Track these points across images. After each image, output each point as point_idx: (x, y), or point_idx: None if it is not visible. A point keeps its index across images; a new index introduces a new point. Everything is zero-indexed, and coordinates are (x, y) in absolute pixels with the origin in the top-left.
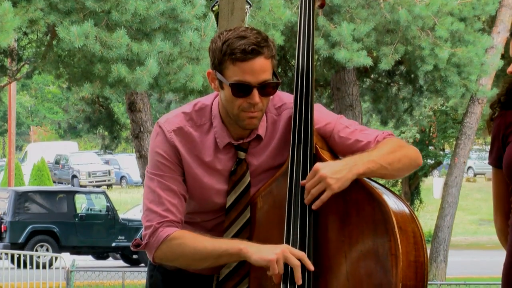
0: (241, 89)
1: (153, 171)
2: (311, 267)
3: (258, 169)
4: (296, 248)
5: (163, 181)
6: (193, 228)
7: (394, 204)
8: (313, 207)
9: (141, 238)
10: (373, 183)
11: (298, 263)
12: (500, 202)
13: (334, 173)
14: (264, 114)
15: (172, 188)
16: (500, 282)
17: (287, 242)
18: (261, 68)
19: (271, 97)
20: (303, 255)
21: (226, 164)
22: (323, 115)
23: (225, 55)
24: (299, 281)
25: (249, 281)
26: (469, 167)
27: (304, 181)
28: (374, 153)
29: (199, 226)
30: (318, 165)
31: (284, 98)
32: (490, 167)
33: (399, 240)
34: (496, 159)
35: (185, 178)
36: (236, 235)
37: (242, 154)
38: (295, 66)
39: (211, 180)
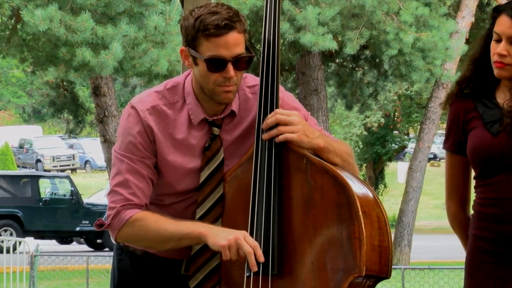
0: (216, 64)
1: (123, 153)
2: (261, 258)
3: (231, 145)
4: (261, 232)
5: (132, 164)
6: (162, 211)
7: (358, 188)
8: (276, 140)
9: (105, 219)
10: (338, 169)
11: (251, 250)
12: (456, 188)
13: (307, 128)
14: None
15: (141, 172)
16: (464, 267)
17: (252, 226)
18: (235, 42)
19: (244, 77)
20: (256, 245)
21: (200, 141)
22: (297, 105)
23: (198, 31)
24: (254, 267)
25: (220, 260)
26: (433, 152)
27: (278, 112)
28: (334, 143)
29: (169, 209)
30: (298, 113)
31: (258, 78)
32: None
33: (363, 224)
34: (453, 145)
35: (157, 158)
36: (209, 211)
37: (216, 130)
38: (261, 51)
39: (183, 159)
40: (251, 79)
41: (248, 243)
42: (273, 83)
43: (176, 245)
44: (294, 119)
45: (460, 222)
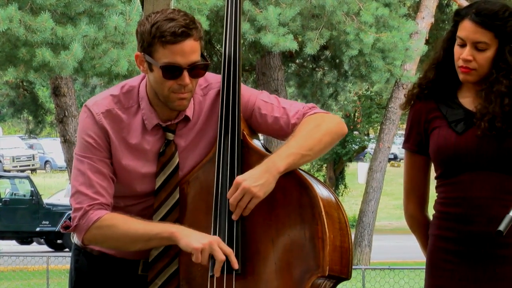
0: (171, 71)
1: (83, 154)
2: (235, 265)
3: (186, 150)
4: (224, 232)
5: (93, 164)
6: (119, 213)
7: (320, 190)
8: (244, 214)
9: (69, 220)
10: (300, 171)
11: (223, 257)
12: (415, 188)
13: (255, 180)
14: None
15: (102, 170)
16: (424, 266)
17: (215, 228)
18: (191, 49)
19: None
20: (230, 252)
21: (154, 146)
22: (247, 97)
23: (154, 37)
24: (217, 273)
25: (179, 264)
26: (393, 152)
27: (228, 194)
28: (292, 143)
29: (123, 212)
30: (238, 178)
31: (209, 78)
32: None
33: (326, 224)
34: (414, 145)
35: (112, 161)
36: (166, 216)
37: (170, 136)
38: (223, 54)
39: (136, 164)
40: (203, 79)
41: (222, 250)
42: (235, 88)
43: (144, 246)
44: (241, 189)
45: (419, 223)
